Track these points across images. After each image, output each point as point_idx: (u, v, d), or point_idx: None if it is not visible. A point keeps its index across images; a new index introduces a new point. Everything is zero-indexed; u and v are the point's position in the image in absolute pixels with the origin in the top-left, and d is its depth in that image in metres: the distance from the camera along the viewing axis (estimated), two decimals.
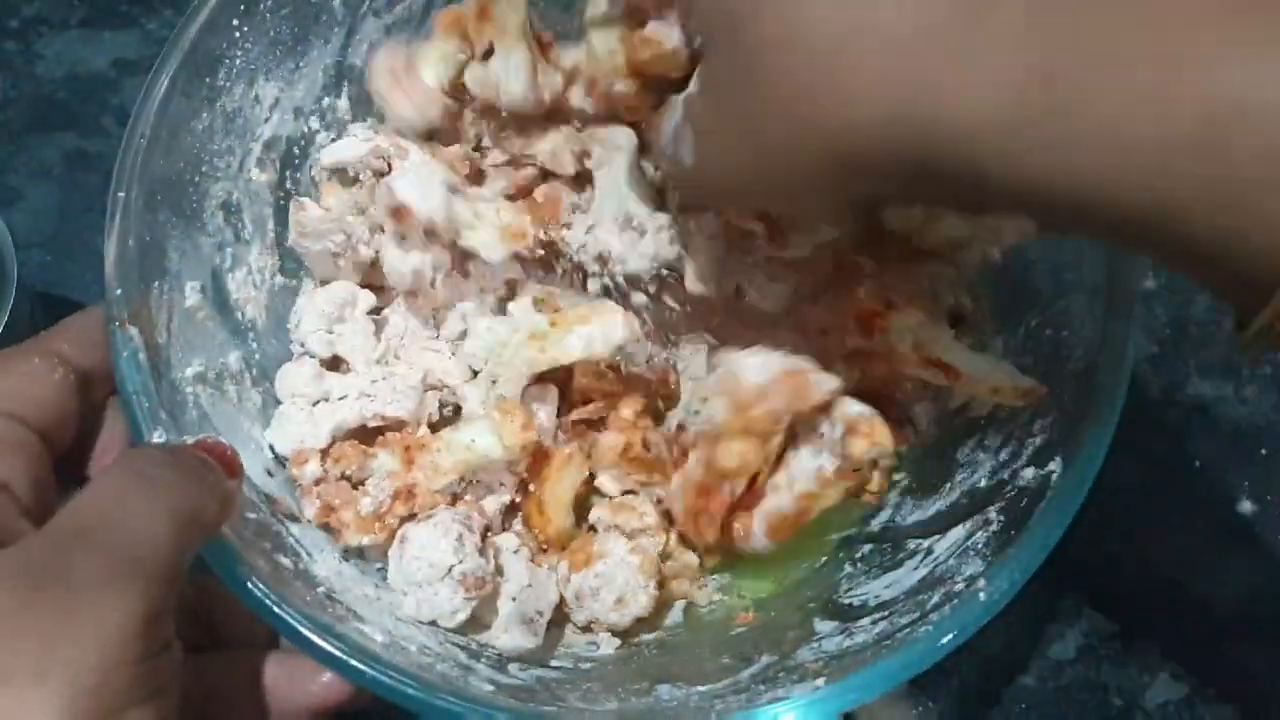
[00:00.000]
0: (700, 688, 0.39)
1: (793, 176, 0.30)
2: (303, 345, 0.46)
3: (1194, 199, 0.25)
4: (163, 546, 0.30)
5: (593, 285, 0.43)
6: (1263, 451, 0.53)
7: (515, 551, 0.43)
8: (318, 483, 0.42)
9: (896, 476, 0.45)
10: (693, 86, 0.32)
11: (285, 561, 0.38)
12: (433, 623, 0.40)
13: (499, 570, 0.42)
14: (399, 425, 0.44)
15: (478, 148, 0.46)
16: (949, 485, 0.43)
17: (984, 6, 0.26)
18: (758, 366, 0.38)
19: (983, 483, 0.41)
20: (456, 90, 0.44)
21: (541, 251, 0.44)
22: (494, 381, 0.43)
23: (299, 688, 0.36)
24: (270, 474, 0.42)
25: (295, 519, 0.41)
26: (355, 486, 0.43)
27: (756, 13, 0.28)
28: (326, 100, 0.48)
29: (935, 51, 0.26)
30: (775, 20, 0.28)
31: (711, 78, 0.31)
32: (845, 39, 0.27)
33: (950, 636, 0.34)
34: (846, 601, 0.42)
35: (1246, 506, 0.51)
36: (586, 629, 0.44)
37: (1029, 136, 0.26)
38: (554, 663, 0.42)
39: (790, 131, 0.29)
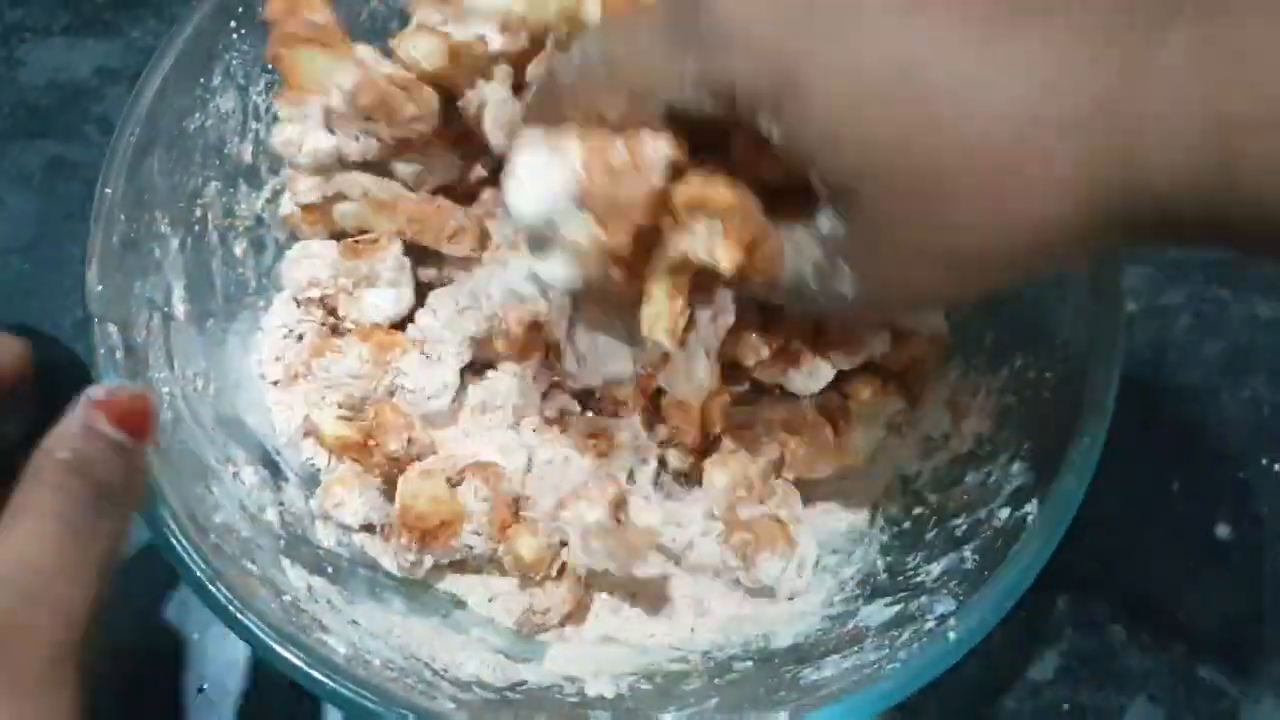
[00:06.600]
0: (663, 716, 0.38)
1: (988, 279, 0.31)
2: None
3: None
4: (83, 607, 0.29)
5: None
6: (1240, 475, 0.53)
7: None
8: None
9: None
10: (824, 228, 0.31)
11: (252, 567, 0.37)
12: None
13: None
14: None
15: None
16: (926, 533, 0.43)
17: (1148, 70, 0.26)
18: None
19: (960, 523, 0.41)
20: None
21: None
22: None
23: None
24: (242, 481, 0.42)
25: (265, 524, 0.41)
26: None
27: (922, 141, 0.28)
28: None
29: (1117, 121, 0.26)
30: (949, 141, 0.28)
31: (867, 215, 0.30)
32: (1025, 134, 0.27)
33: (917, 675, 0.34)
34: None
35: (1223, 530, 0.52)
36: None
37: (1218, 183, 0.26)
38: (529, 683, 0.41)
39: (984, 242, 0.29)
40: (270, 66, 0.45)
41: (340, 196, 0.45)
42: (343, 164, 0.44)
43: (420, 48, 0.41)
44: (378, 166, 0.45)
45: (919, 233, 0.29)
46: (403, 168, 0.45)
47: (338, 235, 0.46)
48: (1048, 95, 0.27)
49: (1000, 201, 0.28)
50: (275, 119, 0.44)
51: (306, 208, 0.44)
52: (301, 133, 0.43)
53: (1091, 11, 0.27)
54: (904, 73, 0.28)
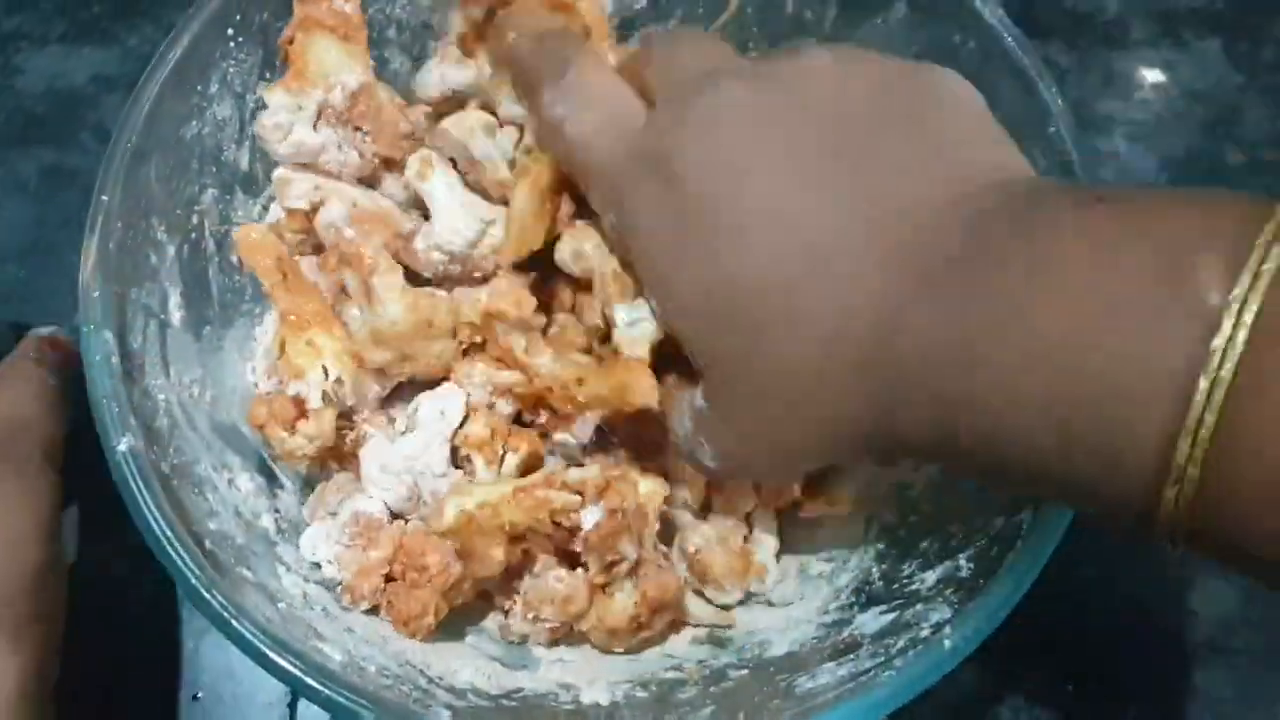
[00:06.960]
0: None
1: (807, 465, 0.40)
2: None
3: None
4: (59, 433, 0.41)
5: None
6: None
7: None
8: None
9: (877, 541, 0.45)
10: (699, 400, 0.36)
11: (247, 574, 0.37)
12: None
13: None
14: None
15: None
16: (921, 541, 0.43)
17: (896, 336, 0.30)
18: None
19: (955, 531, 0.41)
20: None
21: None
22: None
23: None
24: (238, 488, 0.42)
25: (260, 531, 0.41)
26: None
27: (746, 362, 0.34)
28: None
29: (873, 383, 0.31)
30: (762, 364, 0.33)
31: (717, 401, 0.36)
32: (824, 367, 0.32)
33: (913, 683, 0.34)
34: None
35: None
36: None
37: (949, 450, 0.31)
38: (524, 690, 0.41)
39: (800, 434, 0.34)
40: (267, 74, 0.45)
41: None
42: (320, 170, 0.44)
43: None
44: (367, 182, 0.45)
45: (754, 423, 0.35)
46: (393, 185, 0.45)
47: (317, 249, 0.45)
48: (834, 345, 0.32)
49: (816, 410, 0.33)
50: (262, 105, 0.44)
51: (292, 213, 0.44)
52: (291, 121, 0.42)
53: (862, 288, 0.31)
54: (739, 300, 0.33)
